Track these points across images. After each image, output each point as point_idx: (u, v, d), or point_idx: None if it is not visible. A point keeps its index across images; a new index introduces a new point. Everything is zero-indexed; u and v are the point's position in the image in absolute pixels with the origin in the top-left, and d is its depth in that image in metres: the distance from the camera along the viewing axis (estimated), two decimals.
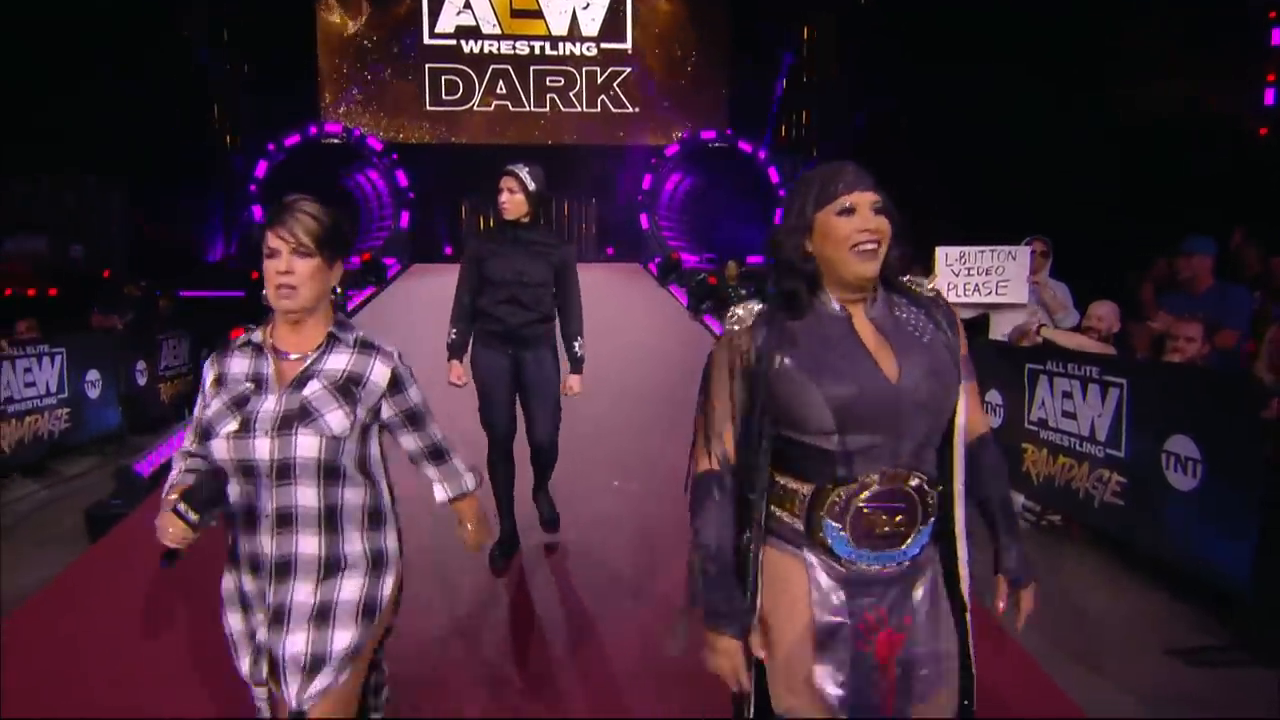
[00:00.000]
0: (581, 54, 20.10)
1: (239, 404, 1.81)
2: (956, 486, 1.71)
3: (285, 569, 1.82)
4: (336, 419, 1.81)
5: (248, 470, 1.79)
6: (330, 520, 1.84)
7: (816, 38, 19.52)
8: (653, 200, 19.46)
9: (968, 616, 1.74)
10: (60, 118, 12.63)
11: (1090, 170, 10.56)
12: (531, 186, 3.78)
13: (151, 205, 14.80)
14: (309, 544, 1.83)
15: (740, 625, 1.64)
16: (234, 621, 1.91)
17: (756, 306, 1.70)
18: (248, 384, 1.84)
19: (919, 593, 1.68)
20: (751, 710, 1.72)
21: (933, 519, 1.67)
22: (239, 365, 1.87)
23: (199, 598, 2.97)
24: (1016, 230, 5.71)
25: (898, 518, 1.61)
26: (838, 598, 1.64)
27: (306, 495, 1.80)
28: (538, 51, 19.96)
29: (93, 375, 6.58)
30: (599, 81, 20.21)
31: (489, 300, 3.86)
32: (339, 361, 1.87)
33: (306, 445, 1.78)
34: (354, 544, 1.87)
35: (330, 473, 1.81)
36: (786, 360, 1.62)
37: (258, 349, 1.88)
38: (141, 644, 3.38)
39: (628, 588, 3.95)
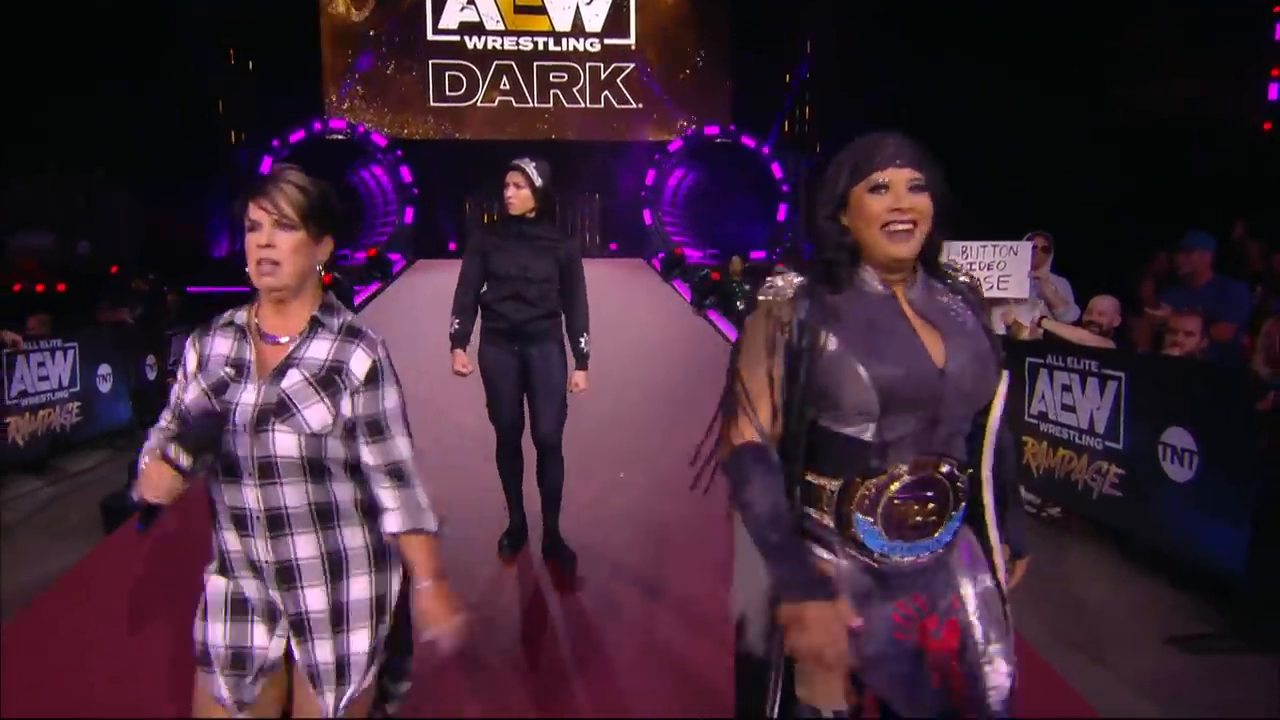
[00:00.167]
0: (585, 50, 20.19)
1: (218, 391, 1.70)
2: (985, 473, 1.65)
3: (289, 575, 1.73)
4: (316, 415, 1.68)
5: (230, 468, 1.69)
6: (325, 517, 1.74)
7: (819, 34, 19.54)
8: (656, 196, 19.54)
9: (1006, 607, 1.68)
10: (66, 115, 12.70)
11: (1092, 166, 10.60)
12: (538, 182, 3.76)
13: (157, 202, 14.87)
14: (307, 545, 1.73)
15: (819, 589, 1.48)
16: (216, 632, 1.77)
17: (796, 278, 1.62)
18: (228, 369, 1.72)
19: (962, 576, 1.64)
20: (776, 709, 1.61)
21: (964, 504, 1.62)
22: (220, 346, 1.76)
23: None
24: (1019, 226, 5.76)
25: (929, 506, 1.56)
26: (871, 592, 1.58)
27: (295, 494, 1.69)
28: (541, 47, 20.05)
29: (104, 370, 6.66)
30: (602, 77, 20.30)
31: (493, 296, 3.84)
32: (321, 349, 1.73)
33: (285, 444, 1.67)
34: (355, 539, 1.78)
35: (316, 470, 1.70)
36: (832, 338, 1.54)
37: (240, 330, 1.76)
38: (159, 633, 3.43)
39: (632, 580, 3.98)
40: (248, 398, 1.68)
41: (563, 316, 3.94)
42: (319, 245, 1.74)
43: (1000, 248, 5.53)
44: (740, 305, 10.91)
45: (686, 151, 19.79)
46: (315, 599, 1.74)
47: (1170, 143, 10.16)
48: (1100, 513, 4.28)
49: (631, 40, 20.31)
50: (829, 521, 1.59)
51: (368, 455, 1.74)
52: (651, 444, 6.03)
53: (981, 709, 1.59)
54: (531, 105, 20.16)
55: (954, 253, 5.71)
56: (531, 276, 3.77)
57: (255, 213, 1.68)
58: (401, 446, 1.76)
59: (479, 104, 20.03)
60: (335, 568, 1.76)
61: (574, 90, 20.26)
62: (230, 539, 1.74)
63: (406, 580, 1.87)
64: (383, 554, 1.82)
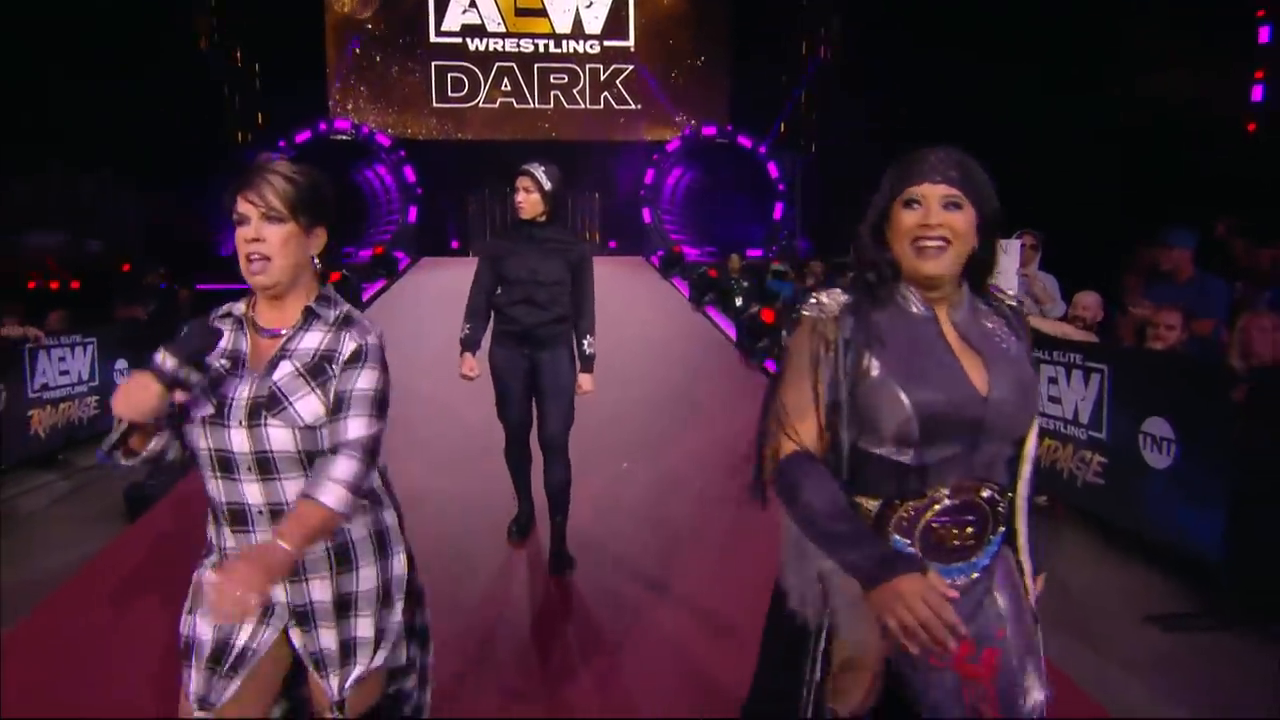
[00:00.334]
0: (585, 52, 20.18)
1: (214, 384, 1.65)
2: (1020, 500, 1.62)
3: (297, 567, 1.68)
4: (307, 406, 1.63)
5: (226, 463, 1.63)
6: None
7: (816, 36, 19.62)
8: (655, 195, 19.55)
9: (1038, 631, 1.67)
10: (73, 115, 12.72)
11: (1082, 166, 10.67)
12: (547, 186, 3.72)
13: (164, 202, 14.93)
14: None
15: (910, 562, 1.39)
16: (204, 626, 1.71)
17: (841, 295, 1.57)
18: (223, 361, 1.67)
19: (1001, 601, 1.59)
20: (810, 711, 1.58)
21: (1003, 528, 1.58)
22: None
23: None
24: (1010, 224, 5.85)
25: (968, 529, 1.52)
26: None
27: (296, 488, 1.63)
28: (542, 49, 20.04)
29: (121, 364, 6.75)
30: (602, 79, 20.29)
31: (505, 300, 3.81)
32: (314, 340, 1.67)
33: (280, 439, 1.61)
34: (358, 529, 1.75)
35: (314, 462, 1.64)
36: (875, 362, 1.50)
37: (238, 322, 1.71)
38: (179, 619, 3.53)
39: (634, 571, 4.01)
40: (242, 392, 1.63)
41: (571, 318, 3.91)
42: (311, 237, 1.68)
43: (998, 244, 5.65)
44: (739, 302, 11.00)
45: (684, 151, 19.79)
46: (320, 589, 1.72)
47: (1158, 142, 10.25)
48: (1084, 500, 4.39)
49: (630, 42, 20.32)
50: None
51: (327, 431, 1.65)
52: (652, 436, 6.13)
53: None
54: (532, 106, 20.15)
55: None
56: (542, 280, 3.74)
57: (242, 206, 1.62)
58: (352, 426, 1.63)
59: (481, 105, 20.02)
60: (342, 558, 1.73)
61: (574, 91, 20.26)
62: (228, 536, 1.69)
63: (413, 565, 1.87)
64: (385, 542, 1.79)
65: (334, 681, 1.74)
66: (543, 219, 3.76)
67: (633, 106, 20.49)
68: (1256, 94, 10.45)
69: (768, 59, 19.80)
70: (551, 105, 20.22)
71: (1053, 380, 4.56)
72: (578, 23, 20.09)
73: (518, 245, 3.79)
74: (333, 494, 1.57)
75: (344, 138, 18.63)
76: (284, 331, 1.68)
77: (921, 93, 13.80)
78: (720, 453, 5.94)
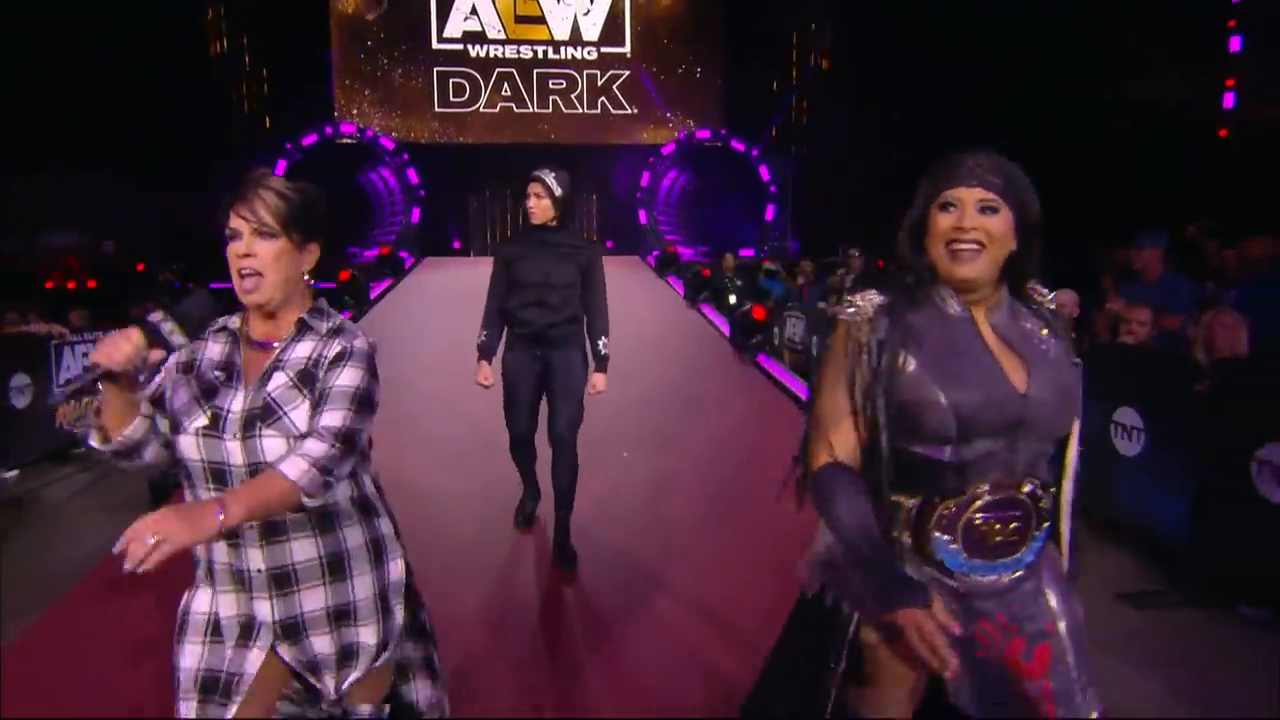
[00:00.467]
0: (582, 58, 20.27)
1: (208, 395, 1.59)
2: (1064, 503, 1.59)
3: (285, 580, 1.62)
4: (302, 415, 1.58)
5: (220, 475, 1.56)
6: (324, 519, 1.64)
7: (808, 42, 19.74)
8: (651, 197, 19.63)
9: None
10: (87, 118, 12.77)
11: (1064, 169, 10.80)
12: (558, 191, 3.72)
13: (174, 204, 14.98)
14: (306, 548, 1.63)
15: (917, 595, 1.38)
16: (192, 655, 1.64)
17: (877, 298, 1.54)
18: (218, 373, 1.61)
19: (1053, 598, 1.55)
20: (831, 699, 1.55)
21: (1047, 524, 1.53)
22: (212, 351, 1.66)
23: None
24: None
25: (1012, 525, 1.48)
26: (953, 611, 1.47)
27: None
28: (541, 55, 20.13)
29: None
30: (599, 84, 20.38)
31: (517, 303, 3.78)
32: (305, 349, 1.63)
33: (275, 449, 1.55)
34: (354, 538, 1.70)
35: None
36: (911, 360, 1.48)
37: (232, 335, 1.66)
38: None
39: (631, 561, 4.03)
40: (236, 404, 1.58)
41: (584, 320, 3.88)
42: (303, 253, 1.64)
43: None
44: (732, 300, 11.10)
45: (679, 154, 19.88)
46: (312, 600, 1.65)
47: (1139, 147, 10.38)
48: None
49: (627, 49, 20.41)
50: (906, 540, 1.52)
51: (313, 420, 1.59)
52: (651, 429, 6.19)
53: None
54: (531, 110, 20.22)
55: None
56: (553, 283, 3.73)
57: (235, 221, 1.57)
58: (328, 417, 1.55)
59: (481, 109, 20.10)
60: (336, 568, 1.67)
61: (572, 96, 20.35)
62: (219, 550, 1.62)
63: (409, 569, 1.82)
64: (381, 550, 1.75)
65: (330, 682, 1.69)
66: (554, 223, 3.76)
67: (629, 111, 20.58)
68: (1228, 101, 10.59)
69: (760, 65, 19.91)
70: (550, 110, 20.31)
71: None
72: (576, 30, 20.16)
73: (529, 249, 3.78)
74: (295, 466, 1.47)
75: (349, 141, 18.70)
76: (276, 344, 1.63)
77: (914, 97, 13.90)
78: (715, 445, 6.04)
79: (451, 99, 20.02)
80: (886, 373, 1.48)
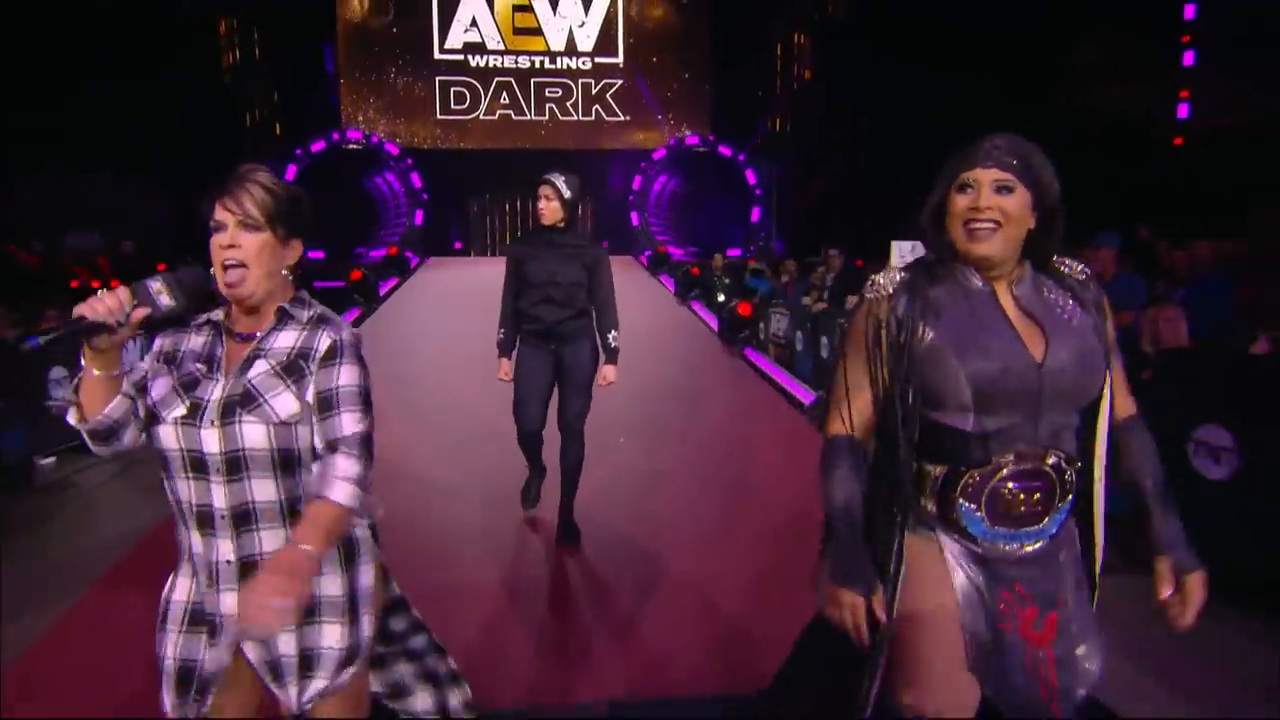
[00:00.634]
0: (577, 68, 20.39)
1: (188, 387, 1.52)
2: (1098, 470, 1.54)
3: (252, 571, 1.50)
4: (283, 403, 1.50)
5: (198, 464, 1.49)
6: (294, 512, 1.53)
7: (790, 54, 19.90)
8: (643, 200, 19.80)
9: (1095, 595, 1.60)
10: (108, 124, 12.82)
11: None
12: (567, 194, 3.73)
13: (188, 207, 15.02)
14: (274, 540, 1.52)
15: (866, 584, 1.48)
16: (170, 645, 1.57)
17: (899, 274, 1.55)
18: (199, 365, 1.54)
19: (1068, 574, 1.54)
20: (870, 709, 1.54)
21: (1071, 496, 1.51)
22: (195, 343, 1.57)
23: None
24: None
25: (1035, 496, 1.47)
26: (975, 576, 1.50)
27: (264, 489, 1.51)
28: (538, 65, 20.24)
29: None
30: (593, 92, 20.51)
31: (528, 301, 3.82)
32: (288, 339, 1.55)
33: (254, 435, 1.48)
34: None
35: (286, 462, 1.51)
36: (929, 332, 1.47)
37: (215, 327, 1.59)
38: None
39: (629, 539, 4.07)
40: (215, 393, 1.51)
41: (593, 315, 3.92)
42: (287, 248, 1.56)
43: None
44: (720, 297, 11.25)
45: (670, 159, 20.05)
46: None
47: (1100, 152, 10.57)
48: None
49: (620, 59, 20.52)
50: (931, 507, 1.52)
51: (316, 432, 1.53)
52: (645, 418, 6.30)
53: (1067, 699, 1.52)
54: (529, 117, 20.33)
55: (904, 250, 6.05)
56: (560, 281, 3.76)
57: (220, 213, 1.50)
58: (346, 423, 1.52)
59: (481, 116, 20.20)
60: None
61: (567, 104, 20.45)
62: (194, 539, 1.54)
63: (387, 577, 1.73)
64: (353, 551, 1.63)
65: (292, 691, 1.55)
66: (562, 225, 3.77)
67: (622, 118, 20.70)
68: (1182, 111, 10.79)
69: (746, 75, 20.06)
70: (547, 117, 20.42)
71: None
72: (571, 41, 20.27)
73: (539, 250, 3.80)
74: (341, 490, 1.48)
75: (356, 147, 18.78)
76: (258, 334, 1.56)
77: (883, 104, 14.04)
78: (706, 432, 6.18)
79: (453, 107, 20.11)
80: (907, 344, 1.48)
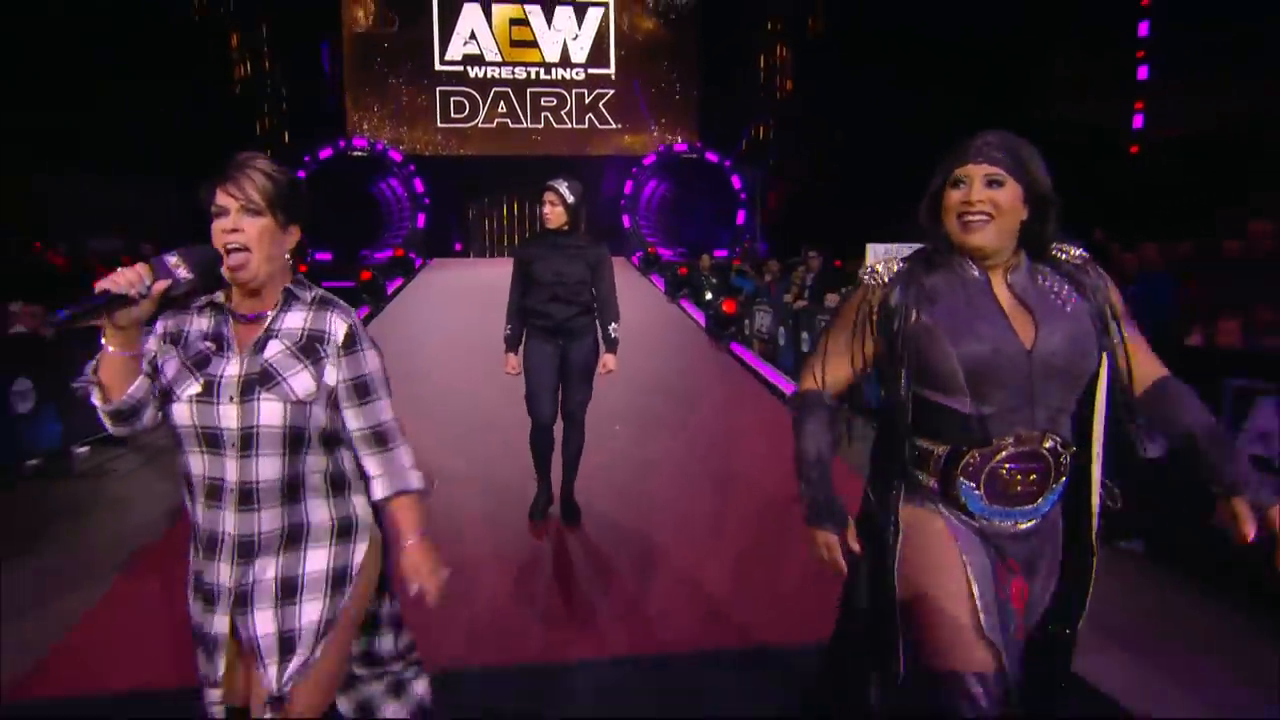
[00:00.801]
0: (571, 78, 20.48)
1: (200, 365, 1.49)
2: (1095, 449, 1.54)
3: (249, 548, 1.51)
4: (301, 382, 1.50)
5: (213, 439, 1.47)
6: (292, 491, 1.52)
7: (772, 66, 20.05)
8: (633, 203, 19.86)
9: (1095, 560, 1.59)
10: (128, 131, 12.85)
11: None
12: (570, 200, 3.78)
13: (202, 211, 15.03)
14: (272, 519, 1.51)
15: (837, 522, 1.53)
16: (194, 612, 1.57)
17: (897, 264, 1.56)
18: (208, 344, 1.51)
19: (1048, 548, 1.56)
20: (902, 665, 1.54)
21: (1065, 478, 1.52)
22: (200, 324, 1.54)
23: None
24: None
25: (1031, 476, 1.48)
26: (979, 547, 1.51)
27: (270, 467, 1.49)
28: (533, 76, 20.33)
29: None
30: (586, 102, 20.60)
31: (536, 299, 3.85)
32: (297, 320, 1.54)
33: (270, 412, 1.47)
34: (318, 512, 1.55)
35: (295, 441, 1.50)
36: (924, 317, 1.49)
37: (219, 308, 1.55)
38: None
39: (623, 513, 4.20)
40: (231, 370, 1.49)
41: (595, 311, 3.96)
42: (286, 234, 1.54)
43: (917, 248, 6.05)
44: (708, 295, 11.36)
45: (659, 165, 20.12)
46: (266, 570, 1.52)
47: (1061, 162, 10.74)
48: None
49: (611, 70, 20.63)
50: (933, 484, 1.53)
51: (352, 419, 1.55)
52: (637, 407, 6.42)
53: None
54: (525, 125, 20.41)
55: (879, 252, 6.24)
56: (566, 280, 3.80)
57: (222, 198, 1.48)
58: (384, 408, 1.57)
59: (480, 124, 20.27)
60: (294, 539, 1.53)
61: (562, 113, 20.55)
62: (201, 512, 1.52)
63: (387, 556, 1.67)
64: (348, 528, 1.58)
65: (272, 672, 1.50)
66: (566, 228, 3.81)
67: (614, 126, 20.81)
68: (1137, 122, 10.98)
69: (732, 85, 20.17)
70: (542, 125, 20.50)
71: None
72: (565, 53, 20.37)
73: (545, 251, 3.84)
74: (415, 477, 1.59)
75: (361, 154, 18.80)
76: (267, 314, 1.54)
77: (860, 116, 14.17)
78: (695, 421, 6.33)
79: (453, 115, 20.19)
80: (902, 329, 1.49)
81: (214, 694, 1.55)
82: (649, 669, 2.76)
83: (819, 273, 9.13)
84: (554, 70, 20.41)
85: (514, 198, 21.07)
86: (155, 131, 13.24)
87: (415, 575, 1.57)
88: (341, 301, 1.60)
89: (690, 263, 13.72)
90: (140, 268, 1.39)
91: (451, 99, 20.14)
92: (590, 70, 20.52)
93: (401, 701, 1.72)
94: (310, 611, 1.52)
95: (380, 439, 1.57)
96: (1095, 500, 1.56)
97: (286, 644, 1.51)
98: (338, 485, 1.57)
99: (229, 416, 1.46)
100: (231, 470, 1.47)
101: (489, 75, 20.18)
